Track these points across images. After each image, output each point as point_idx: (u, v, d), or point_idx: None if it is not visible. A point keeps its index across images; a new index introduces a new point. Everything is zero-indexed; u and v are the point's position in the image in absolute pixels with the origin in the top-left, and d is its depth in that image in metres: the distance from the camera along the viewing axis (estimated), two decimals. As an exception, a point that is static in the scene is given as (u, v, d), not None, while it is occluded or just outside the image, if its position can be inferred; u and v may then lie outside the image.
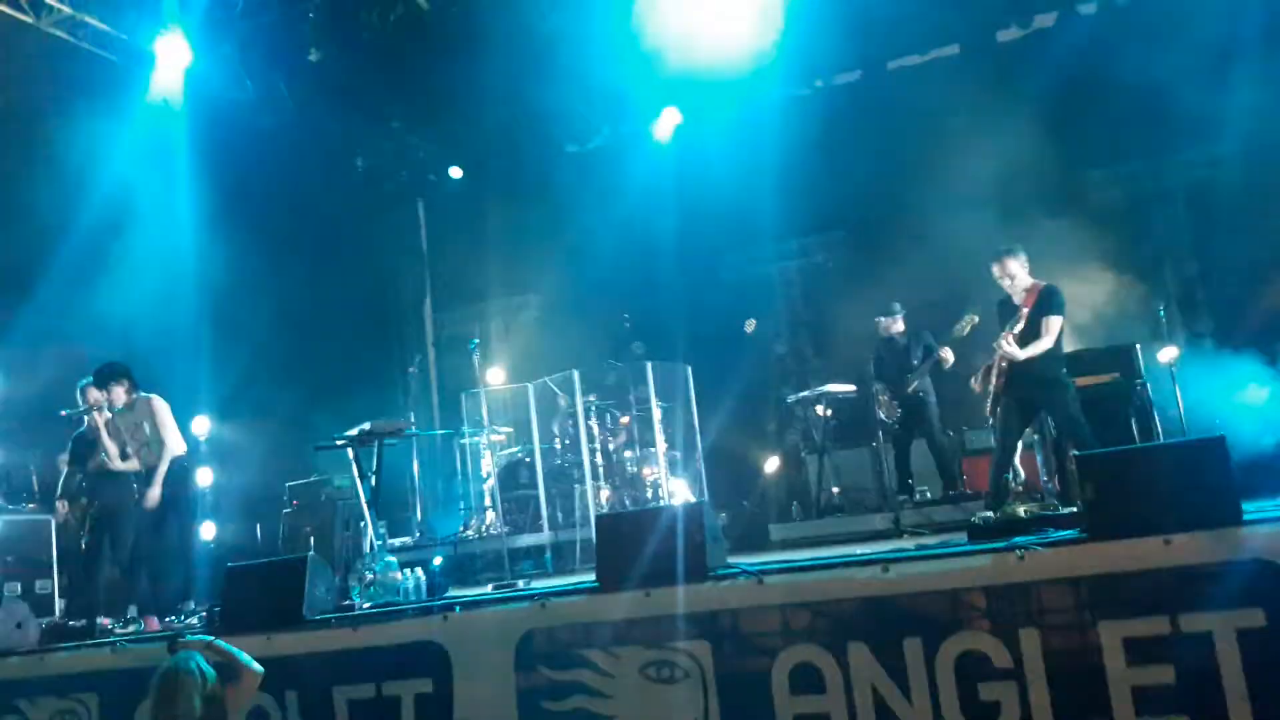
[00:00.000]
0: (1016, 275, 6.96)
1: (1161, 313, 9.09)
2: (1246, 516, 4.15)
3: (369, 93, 11.40)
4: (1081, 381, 7.17)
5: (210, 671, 4.38)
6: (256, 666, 4.62)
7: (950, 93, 10.43)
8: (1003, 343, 6.81)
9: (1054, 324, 6.78)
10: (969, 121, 9.97)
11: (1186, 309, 9.80)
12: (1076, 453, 5.91)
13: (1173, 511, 4.19)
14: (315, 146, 11.51)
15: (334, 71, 10.67)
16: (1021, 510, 5.61)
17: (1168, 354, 8.16)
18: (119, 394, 7.57)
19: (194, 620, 7.05)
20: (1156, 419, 7.50)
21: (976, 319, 8.60)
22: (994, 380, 6.95)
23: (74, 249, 9.00)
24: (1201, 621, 3.99)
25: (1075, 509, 5.14)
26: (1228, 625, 3.95)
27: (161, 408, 7.70)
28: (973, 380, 7.25)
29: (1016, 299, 6.97)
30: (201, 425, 10.51)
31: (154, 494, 7.46)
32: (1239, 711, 3.89)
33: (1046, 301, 6.79)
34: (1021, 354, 6.75)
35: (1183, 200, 10.42)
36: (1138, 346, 7.87)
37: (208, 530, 10.21)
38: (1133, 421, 7.41)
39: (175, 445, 7.66)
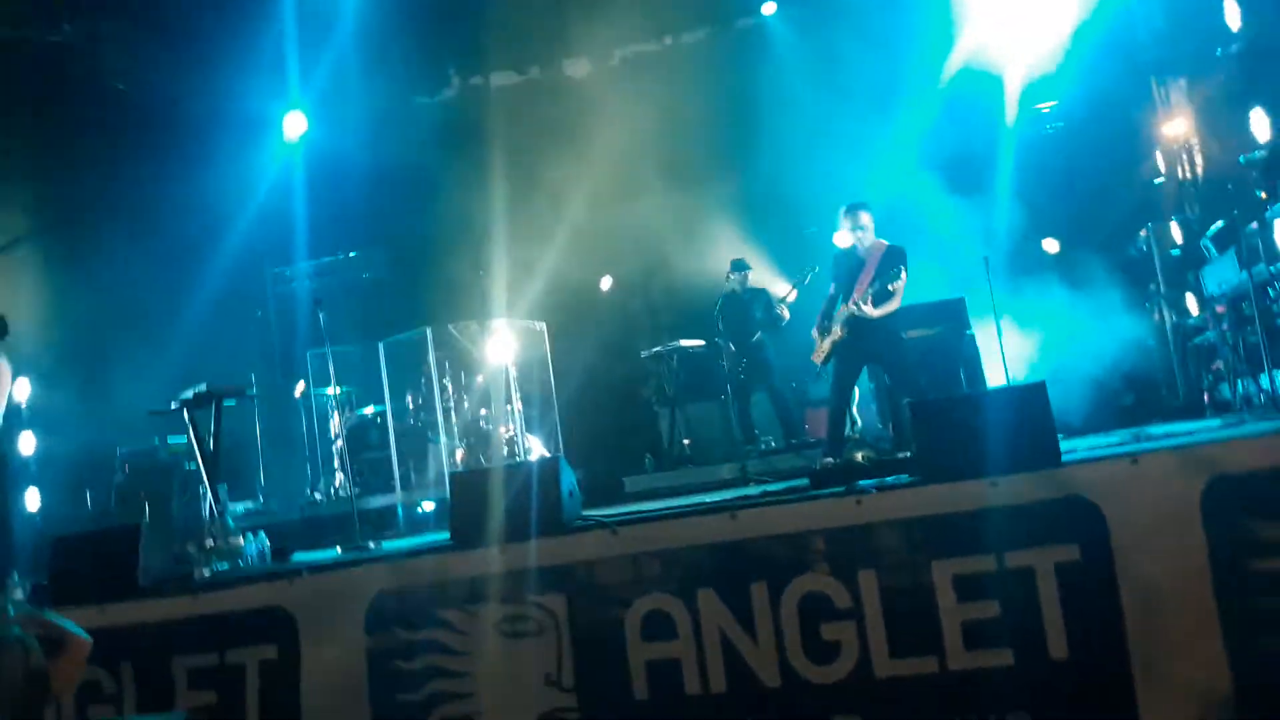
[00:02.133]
0: (868, 228, 7.05)
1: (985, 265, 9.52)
2: (1064, 457, 4.43)
3: (202, 38, 10.82)
4: (912, 334, 7.41)
5: (34, 644, 4.15)
6: (85, 637, 4.40)
7: (794, 54, 10.64)
8: (857, 303, 6.85)
9: (902, 284, 6.86)
10: (808, 86, 10.22)
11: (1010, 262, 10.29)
12: (909, 400, 6.17)
13: (998, 454, 4.45)
14: (145, 95, 10.85)
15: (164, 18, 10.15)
16: (859, 456, 5.83)
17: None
18: None
19: (18, 593, 6.67)
20: (984, 369, 7.86)
21: (817, 268, 8.90)
22: (835, 330, 7.07)
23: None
24: (1024, 558, 4.27)
25: (908, 454, 5.37)
26: (1047, 560, 4.24)
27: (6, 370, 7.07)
28: (814, 331, 7.37)
29: (862, 253, 7.04)
30: (22, 388, 9.92)
31: None
32: (1056, 641, 4.20)
33: (896, 260, 6.83)
34: (876, 312, 6.84)
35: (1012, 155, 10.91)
36: (964, 300, 8.21)
37: (32, 500, 9.68)
38: (960, 371, 7.74)
39: None
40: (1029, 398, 4.64)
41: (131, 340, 9.81)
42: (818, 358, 7.33)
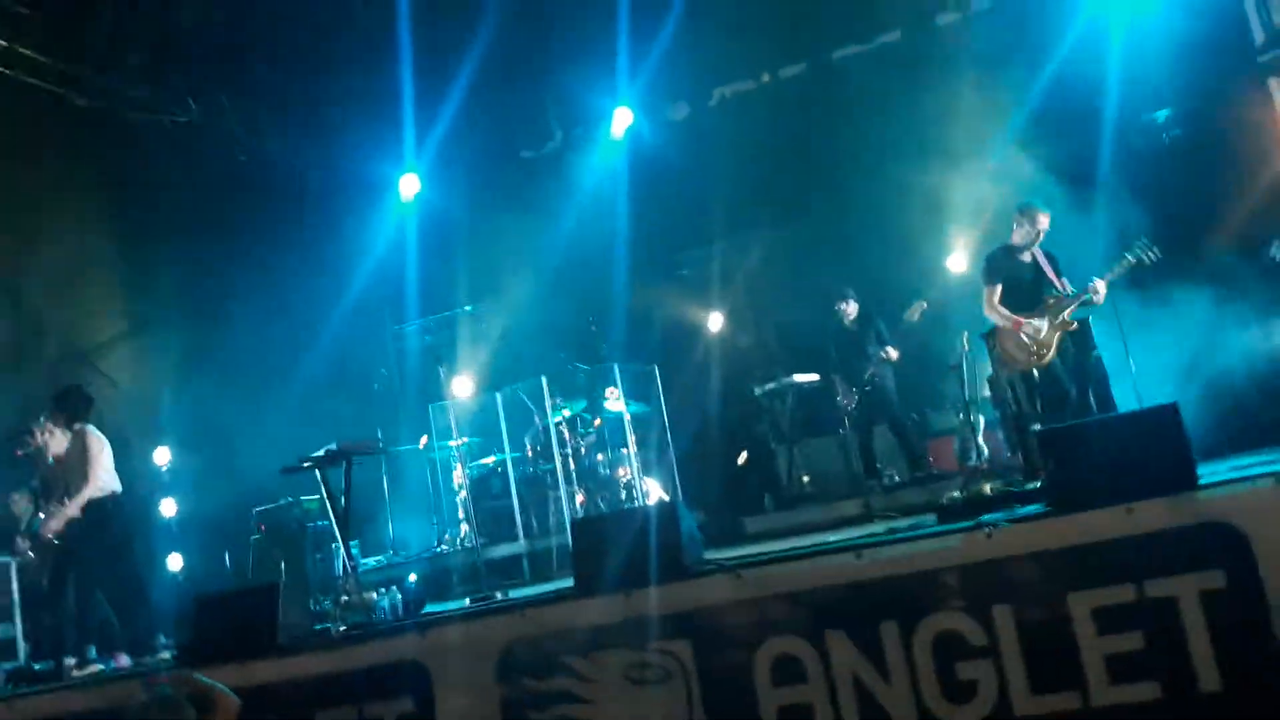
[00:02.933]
0: (1043, 230, 7.12)
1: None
2: (1201, 480, 4.24)
3: (316, 106, 11.32)
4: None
5: (186, 705, 4.33)
6: (233, 697, 4.57)
7: (895, 79, 10.51)
8: (1100, 286, 6.83)
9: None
10: (913, 107, 10.08)
11: (1133, 279, 9.95)
12: (1037, 427, 6.00)
13: (1131, 480, 4.29)
14: (265, 165, 11.36)
15: (278, 87, 10.64)
16: (987, 488, 5.69)
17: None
18: (59, 424, 7.35)
19: (165, 654, 6.97)
20: (1113, 392, 7.59)
21: (925, 304, 8.76)
22: (1062, 321, 7.02)
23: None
24: (1166, 586, 4.08)
25: (1039, 484, 5.21)
26: (1190, 588, 4.04)
27: (92, 441, 7.34)
28: (1025, 324, 7.12)
29: (1026, 254, 7.16)
30: (163, 455, 10.41)
31: (52, 525, 7.13)
32: (1207, 672, 3.98)
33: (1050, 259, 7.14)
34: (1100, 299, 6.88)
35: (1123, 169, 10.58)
36: (1089, 319, 7.96)
37: (174, 562, 10.12)
38: (1090, 394, 7.49)
39: (96, 482, 7.24)
40: (1162, 420, 4.46)
41: (263, 403, 10.20)
42: (1044, 354, 7.09)
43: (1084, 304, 7.01)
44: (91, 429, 7.42)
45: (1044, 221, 7.13)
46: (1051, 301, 7.10)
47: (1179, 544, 4.09)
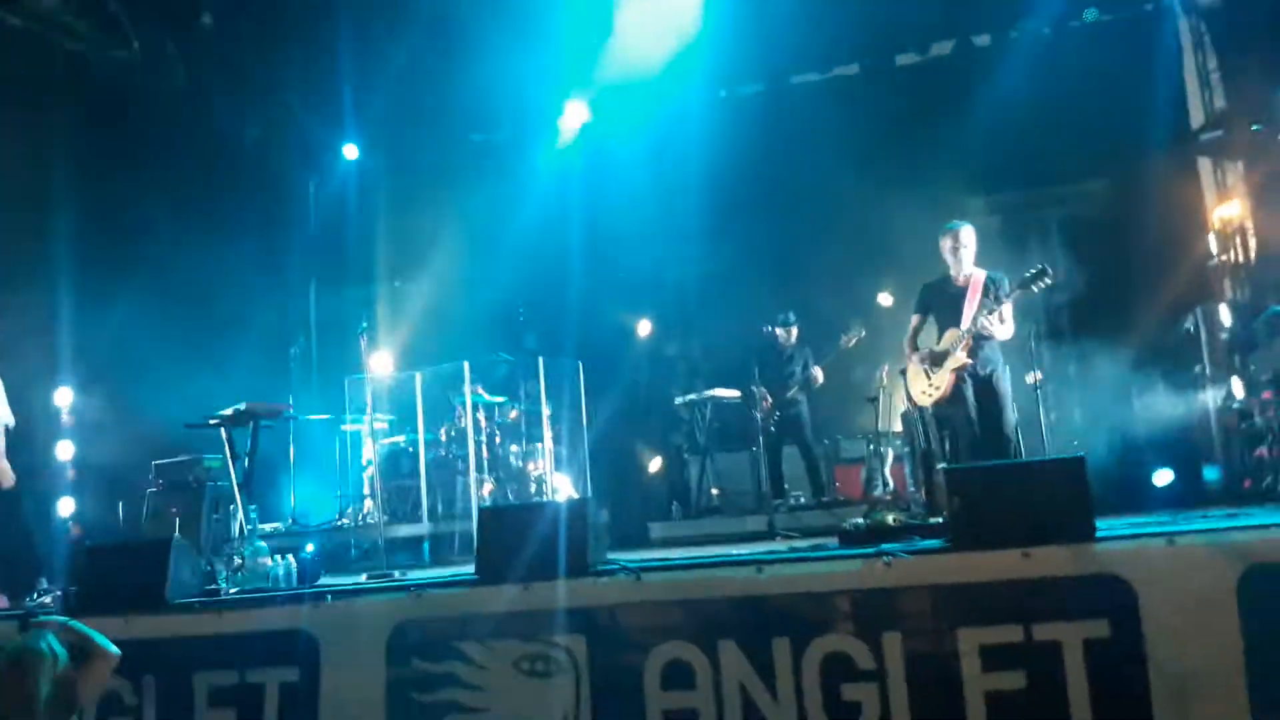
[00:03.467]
0: (969, 247, 6.91)
1: (1030, 338, 9.49)
2: (1099, 533, 4.39)
3: (263, 62, 11.10)
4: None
5: (62, 652, 4.19)
6: (113, 649, 4.44)
7: (848, 111, 10.68)
8: (986, 319, 6.60)
9: (1010, 310, 6.81)
10: (864, 140, 10.25)
11: (1054, 335, 10.23)
12: (944, 465, 6.14)
13: (1032, 526, 4.41)
14: (204, 113, 11.13)
15: (227, 37, 10.38)
16: (890, 518, 5.79)
17: (1033, 376, 8.51)
18: None
19: (47, 600, 6.75)
20: (1021, 438, 7.79)
21: (863, 333, 8.92)
22: (956, 358, 6.79)
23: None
24: (1052, 631, 4.21)
25: (941, 519, 5.33)
26: (1076, 635, 4.18)
27: None
28: (914, 364, 7.07)
29: (961, 281, 6.92)
30: (64, 396, 10.08)
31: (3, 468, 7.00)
32: (1080, 717, 4.11)
33: (1000, 285, 6.78)
34: (1005, 333, 6.69)
35: (1056, 230, 10.90)
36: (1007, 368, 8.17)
37: (66, 506, 9.81)
38: (1000, 436, 7.66)
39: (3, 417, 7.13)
40: (1067, 471, 4.60)
41: (171, 353, 9.95)
42: (926, 399, 7.01)
43: (980, 338, 6.77)
44: None
45: (960, 238, 6.92)
46: (950, 336, 6.91)
47: (1070, 591, 4.22)
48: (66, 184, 9.83)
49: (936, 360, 6.94)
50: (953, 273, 7.01)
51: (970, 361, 6.79)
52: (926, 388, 7.05)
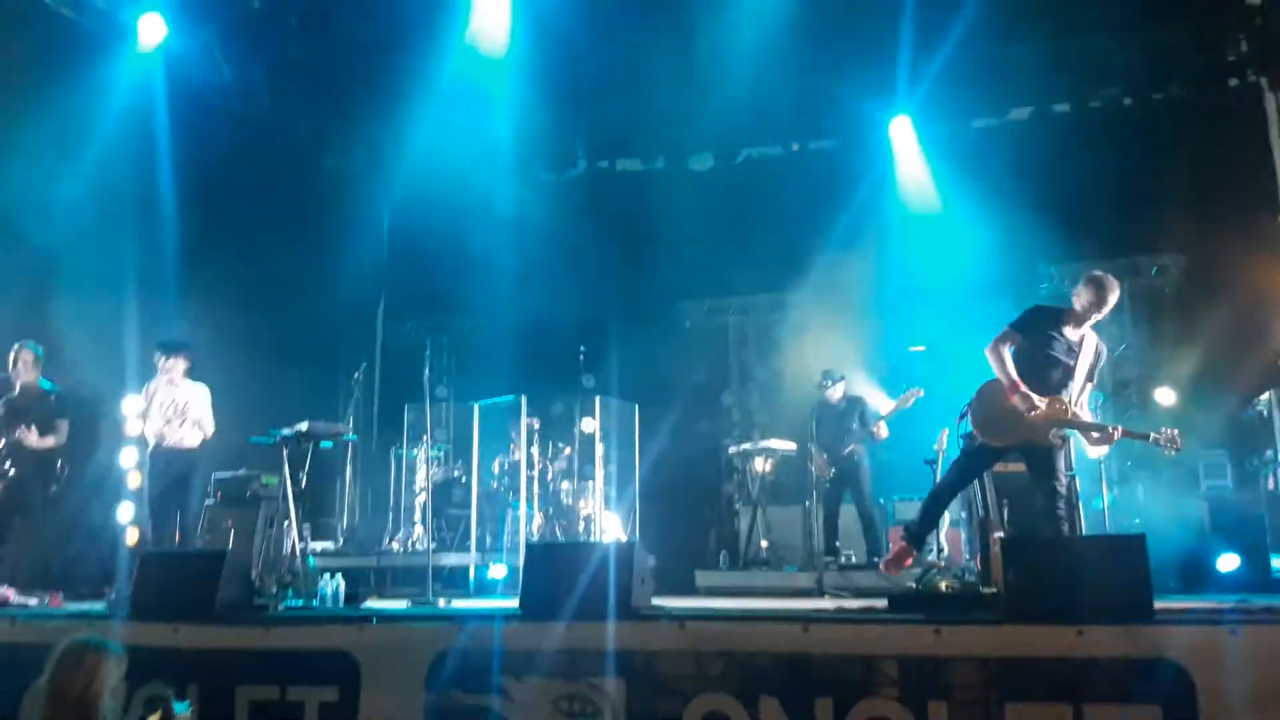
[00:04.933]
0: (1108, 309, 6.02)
1: (1096, 408, 9.31)
2: (1157, 615, 4.27)
3: (345, 93, 11.40)
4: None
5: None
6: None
7: (947, 167, 10.71)
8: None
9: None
10: (948, 198, 10.24)
11: (1120, 407, 10.04)
12: (1001, 535, 6.01)
13: (1088, 603, 4.31)
14: (286, 141, 11.43)
15: (312, 67, 10.68)
16: (943, 585, 5.69)
17: (1098, 451, 8.32)
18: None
19: (100, 605, 6.87)
20: (1081, 512, 7.64)
21: (920, 392, 8.82)
22: (1034, 420, 5.91)
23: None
24: (1103, 713, 4.09)
25: (994, 590, 5.23)
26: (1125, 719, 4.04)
27: None
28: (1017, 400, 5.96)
29: (1078, 329, 6.04)
30: (131, 404, 10.30)
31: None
32: (1128, 804, 3.99)
33: (1098, 355, 6.07)
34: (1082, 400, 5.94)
35: (1128, 302, 10.74)
36: (1070, 438, 8.01)
37: (125, 513, 9.98)
38: (1057, 512, 7.50)
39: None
40: (1127, 548, 4.51)
41: (237, 368, 10.14)
42: (1013, 437, 6.04)
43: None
44: None
45: (1111, 296, 5.96)
46: (1063, 399, 6.00)
47: (1124, 674, 4.11)
48: (148, 194, 10.11)
49: (1045, 410, 5.98)
50: (1075, 321, 6.06)
51: (1063, 441, 6.08)
52: (1011, 426, 6.04)
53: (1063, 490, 6.04)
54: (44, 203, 8.68)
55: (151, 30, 9.75)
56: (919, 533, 6.56)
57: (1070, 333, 6.05)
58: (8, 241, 8.41)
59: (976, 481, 6.91)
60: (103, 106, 9.40)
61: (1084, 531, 6.77)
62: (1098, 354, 6.11)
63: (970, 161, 10.78)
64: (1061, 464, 6.10)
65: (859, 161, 11.43)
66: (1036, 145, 10.52)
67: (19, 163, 8.63)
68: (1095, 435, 6.13)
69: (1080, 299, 6.01)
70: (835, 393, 9.41)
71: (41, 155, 8.76)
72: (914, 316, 10.47)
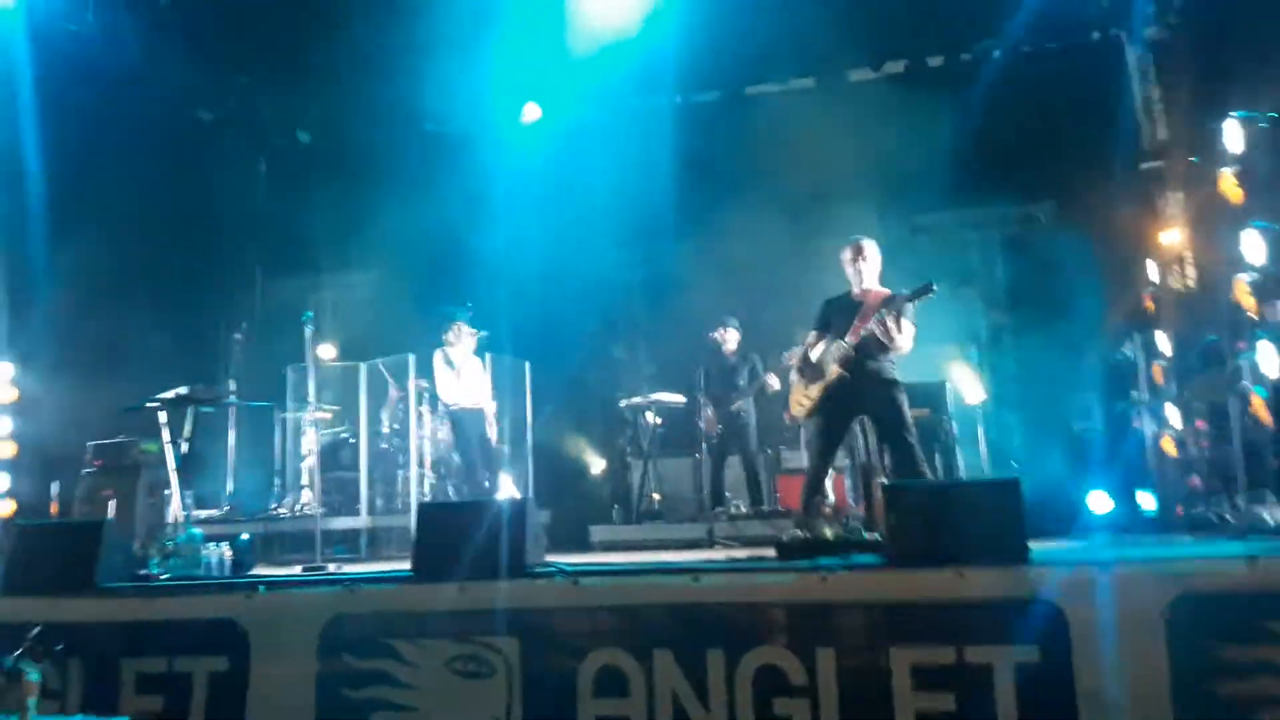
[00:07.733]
0: (871, 260, 6.55)
1: (974, 355, 9.62)
2: (1033, 557, 4.46)
3: (220, 42, 10.91)
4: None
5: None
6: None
7: (802, 123, 10.74)
8: (877, 328, 6.18)
9: (912, 323, 6.37)
10: (816, 152, 10.31)
11: (994, 354, 10.38)
12: (884, 481, 6.17)
13: (967, 546, 4.47)
14: (156, 92, 10.91)
15: (184, 16, 10.20)
16: (829, 532, 5.83)
17: (976, 395, 8.62)
18: None
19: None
20: (960, 456, 7.91)
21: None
22: (830, 372, 6.42)
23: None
24: (984, 654, 4.26)
25: (878, 536, 5.39)
26: (1007, 659, 4.23)
27: None
28: (794, 379, 6.75)
29: (858, 294, 6.54)
30: (4, 371, 9.82)
31: None
32: (1009, 741, 4.17)
33: (898, 303, 6.29)
34: (902, 345, 6.21)
35: (999, 250, 11.10)
36: (947, 384, 8.27)
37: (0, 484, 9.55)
38: (937, 457, 7.78)
39: None
40: (1003, 492, 4.68)
41: (112, 333, 9.74)
42: (799, 411, 6.79)
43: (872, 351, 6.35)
44: None
45: (863, 250, 6.58)
46: (834, 349, 6.51)
47: (1003, 614, 4.27)
48: (10, 151, 9.57)
49: (814, 372, 6.62)
50: (852, 286, 6.67)
51: (845, 375, 6.43)
52: (801, 398, 6.74)
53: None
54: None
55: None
56: (807, 514, 6.68)
57: (854, 298, 6.56)
58: None
59: (857, 426, 7.01)
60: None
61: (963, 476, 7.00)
62: (889, 300, 6.39)
63: (845, 113, 10.89)
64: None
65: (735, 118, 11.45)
66: (911, 98, 10.69)
67: None
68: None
69: (843, 265, 6.66)
70: (728, 337, 9.51)
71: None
72: (796, 270, 10.56)
